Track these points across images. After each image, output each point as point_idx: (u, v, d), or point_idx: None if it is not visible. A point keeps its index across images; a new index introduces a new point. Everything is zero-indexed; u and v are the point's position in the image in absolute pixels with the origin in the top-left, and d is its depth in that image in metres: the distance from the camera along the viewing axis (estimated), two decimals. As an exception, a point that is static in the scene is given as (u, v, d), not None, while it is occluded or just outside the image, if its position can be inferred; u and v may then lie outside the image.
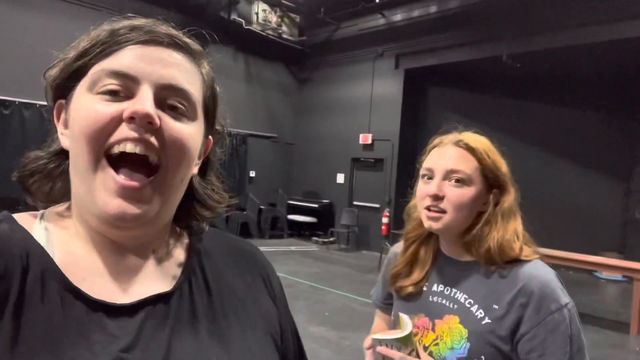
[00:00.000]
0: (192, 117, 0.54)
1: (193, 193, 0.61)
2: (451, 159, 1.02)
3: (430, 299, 1.08)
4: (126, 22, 0.54)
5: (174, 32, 0.55)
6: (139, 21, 0.54)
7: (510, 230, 1.01)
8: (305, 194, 10.60)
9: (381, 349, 0.93)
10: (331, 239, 9.67)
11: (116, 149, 0.49)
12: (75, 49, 0.54)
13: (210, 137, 0.62)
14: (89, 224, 0.53)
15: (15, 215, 0.54)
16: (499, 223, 1.01)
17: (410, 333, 0.94)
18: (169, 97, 0.52)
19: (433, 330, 1.04)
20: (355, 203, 9.90)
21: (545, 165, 8.68)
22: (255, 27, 9.41)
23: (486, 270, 1.02)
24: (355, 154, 9.85)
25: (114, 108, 0.49)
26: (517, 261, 0.99)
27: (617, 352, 4.31)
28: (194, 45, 0.57)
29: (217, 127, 0.63)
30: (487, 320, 0.98)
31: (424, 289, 1.10)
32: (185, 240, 0.64)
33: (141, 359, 0.49)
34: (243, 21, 9.23)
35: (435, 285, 1.09)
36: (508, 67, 7.70)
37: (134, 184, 0.49)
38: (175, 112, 0.52)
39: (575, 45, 6.96)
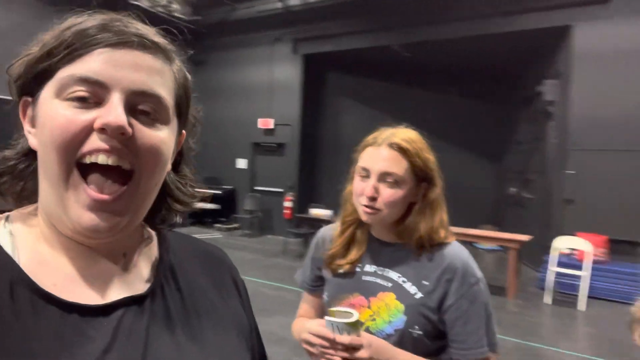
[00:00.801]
0: (164, 121, 0.53)
1: (166, 189, 0.60)
2: (385, 161, 1.12)
3: (364, 279, 1.18)
4: (95, 21, 0.50)
5: (144, 31, 0.52)
6: (108, 18, 0.51)
7: (437, 219, 1.15)
8: (206, 180, 10.29)
9: (332, 335, 1.00)
10: (235, 225, 9.56)
11: (88, 160, 0.48)
12: (39, 46, 0.51)
13: (183, 131, 0.60)
14: (58, 229, 0.52)
15: None
16: (428, 213, 1.15)
17: (358, 320, 1.02)
18: (141, 103, 0.50)
19: (369, 307, 1.14)
20: (257, 188, 9.86)
21: (431, 148, 9.44)
22: (143, 3, 8.76)
23: (416, 252, 1.15)
24: (255, 138, 9.77)
25: (84, 117, 0.48)
26: (441, 244, 1.15)
27: (498, 314, 4.94)
28: (165, 44, 0.55)
29: (191, 119, 0.62)
30: (419, 294, 1.11)
31: (357, 269, 1.20)
32: (155, 242, 0.63)
33: (120, 359, 0.48)
34: (130, -4, 8.53)
35: (368, 266, 1.19)
36: (400, 56, 8.17)
37: (107, 197, 0.48)
38: (148, 117, 0.51)
39: (457, 37, 7.60)
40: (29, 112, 0.53)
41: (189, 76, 0.59)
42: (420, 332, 1.10)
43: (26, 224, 0.54)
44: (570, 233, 6.01)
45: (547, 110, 7.25)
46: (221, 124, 10.04)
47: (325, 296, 1.25)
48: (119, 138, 0.48)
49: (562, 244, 5.84)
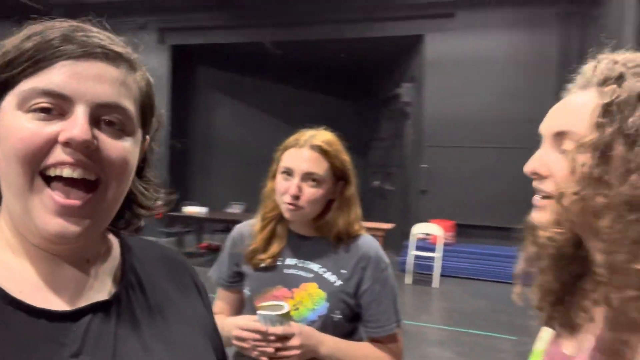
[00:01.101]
0: (130, 132, 0.53)
1: (130, 195, 0.59)
2: (308, 161, 1.20)
3: (285, 272, 1.25)
4: (57, 31, 0.49)
5: (106, 41, 0.51)
6: (69, 28, 0.50)
7: (353, 215, 1.26)
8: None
9: (264, 328, 1.06)
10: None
11: (52, 172, 0.48)
12: (2, 49, 0.50)
13: (147, 137, 0.60)
14: (23, 237, 0.52)
15: None
16: (345, 209, 1.25)
17: (289, 311, 1.09)
18: (105, 115, 0.50)
19: (292, 298, 1.22)
20: (121, 187, 9.16)
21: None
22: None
23: (334, 245, 1.26)
24: (118, 133, 9.04)
25: (48, 129, 0.47)
26: (355, 236, 1.27)
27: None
28: (129, 54, 0.54)
29: (154, 124, 0.61)
30: (339, 282, 1.22)
31: (278, 263, 1.26)
32: (117, 247, 0.63)
33: None
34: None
35: (289, 259, 1.26)
36: (271, 53, 8.28)
37: (74, 202, 0.48)
38: (113, 128, 0.51)
39: (326, 39, 7.98)
40: None
41: (152, 81, 0.59)
42: (340, 316, 1.21)
43: None
44: (425, 220, 6.77)
45: (404, 110, 8.03)
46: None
47: (247, 291, 1.28)
48: (84, 151, 0.48)
49: (418, 230, 6.56)
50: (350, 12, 7.63)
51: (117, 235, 0.65)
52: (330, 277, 1.23)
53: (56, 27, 0.50)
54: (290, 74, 9.71)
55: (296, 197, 1.19)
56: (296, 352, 1.08)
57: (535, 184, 0.67)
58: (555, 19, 6.77)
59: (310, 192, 1.20)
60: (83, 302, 0.53)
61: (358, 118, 10.09)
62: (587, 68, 0.67)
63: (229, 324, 1.15)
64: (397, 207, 8.22)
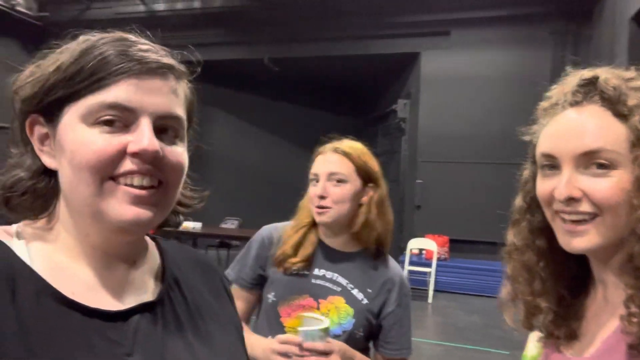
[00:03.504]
0: (182, 138, 0.57)
1: None
2: (332, 163, 1.23)
3: (313, 282, 1.25)
4: (113, 47, 0.52)
5: (158, 54, 0.55)
6: (123, 43, 0.53)
7: (388, 219, 1.28)
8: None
9: (308, 344, 1.04)
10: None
11: (122, 181, 0.51)
12: (54, 67, 0.52)
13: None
14: (82, 239, 0.55)
15: None
16: (380, 213, 1.26)
17: (329, 326, 1.08)
18: (164, 124, 0.54)
19: (318, 308, 1.22)
20: (117, 201, 9.15)
21: (297, 159, 9.81)
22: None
23: (363, 261, 1.28)
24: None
25: (116, 141, 0.51)
26: (384, 257, 1.30)
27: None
28: (179, 66, 0.58)
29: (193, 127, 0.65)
30: (365, 300, 1.24)
31: (307, 272, 1.26)
32: (154, 250, 0.66)
33: None
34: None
35: (317, 269, 1.26)
36: (269, 70, 8.37)
37: (144, 192, 0.52)
38: (168, 136, 0.55)
39: (322, 56, 8.09)
40: (39, 129, 0.55)
41: (192, 87, 0.63)
42: (362, 334, 1.23)
43: (41, 237, 0.56)
44: (420, 235, 6.75)
45: (400, 126, 8.08)
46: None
47: (271, 296, 1.26)
48: (151, 161, 0.51)
49: (413, 245, 6.54)
50: (347, 30, 7.74)
51: (152, 239, 0.68)
52: (357, 294, 1.24)
53: (108, 40, 0.53)
54: (286, 91, 9.80)
55: (322, 197, 1.21)
56: None
57: (569, 209, 0.64)
58: (549, 37, 6.87)
59: (335, 191, 1.21)
60: (130, 303, 0.56)
61: (354, 134, 9.90)
62: (569, 85, 0.68)
63: (258, 341, 1.16)
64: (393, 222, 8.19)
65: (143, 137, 0.51)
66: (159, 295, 0.60)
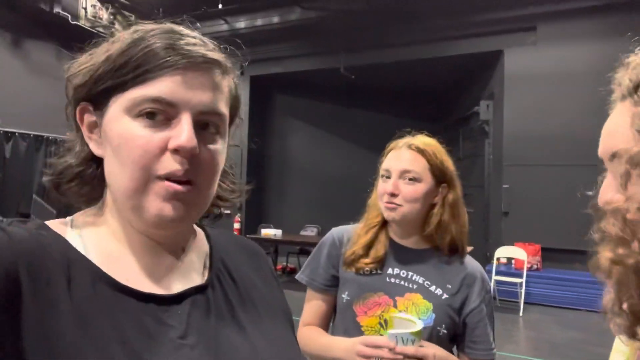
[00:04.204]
0: (222, 134, 0.57)
1: None
2: (405, 160, 1.19)
3: (388, 280, 1.21)
4: (160, 39, 0.53)
5: (205, 48, 0.55)
6: (172, 35, 0.54)
7: (463, 221, 1.23)
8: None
9: (399, 349, 0.99)
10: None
11: (163, 176, 0.52)
12: (104, 57, 0.54)
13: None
14: (130, 227, 0.56)
15: (49, 223, 0.56)
16: (452, 214, 1.21)
17: (421, 329, 1.01)
18: (205, 121, 0.54)
19: (395, 306, 1.18)
20: (205, 210, 9.69)
21: (375, 167, 9.75)
22: (83, 24, 8.52)
23: (438, 259, 1.23)
24: (202, 160, 9.62)
25: (158, 137, 0.52)
26: (461, 254, 1.24)
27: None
28: (225, 60, 0.58)
29: (236, 121, 0.65)
30: (445, 295, 1.19)
31: (380, 271, 1.23)
32: (202, 237, 0.67)
33: (196, 344, 0.53)
34: (69, 15, 8.27)
35: (391, 268, 1.23)
36: (345, 78, 8.44)
37: (183, 188, 0.52)
38: (208, 132, 0.55)
39: (399, 61, 7.98)
40: (88, 117, 0.56)
41: (238, 83, 0.62)
42: (445, 331, 1.16)
43: (93, 226, 0.58)
44: (508, 243, 6.37)
45: (483, 128, 7.72)
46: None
47: (345, 295, 1.23)
48: (189, 158, 0.52)
49: (500, 254, 6.18)
50: (423, 33, 7.58)
51: (199, 226, 0.69)
52: (435, 290, 1.19)
53: (158, 32, 0.54)
54: (363, 98, 9.80)
55: (393, 195, 1.18)
56: None
57: None
58: (650, 24, 6.22)
59: (407, 189, 1.18)
60: (180, 288, 0.57)
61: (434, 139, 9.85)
62: (620, 77, 0.62)
63: (338, 342, 1.14)
64: (477, 229, 7.83)
65: (182, 133, 0.51)
66: (209, 279, 0.60)
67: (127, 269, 0.55)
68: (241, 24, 8.89)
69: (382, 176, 1.23)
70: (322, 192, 9.92)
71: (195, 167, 0.53)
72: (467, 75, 8.47)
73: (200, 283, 0.59)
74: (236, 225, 8.94)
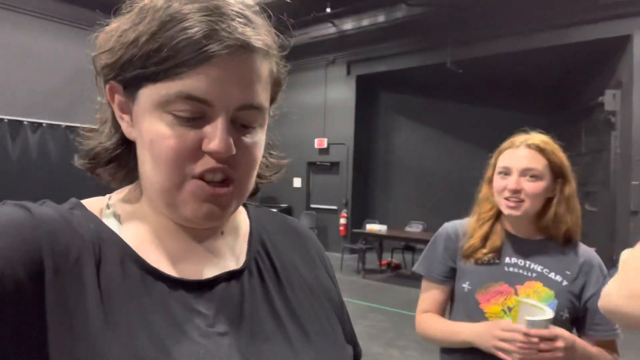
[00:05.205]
0: (261, 125, 0.54)
1: None
2: (525, 158, 1.26)
3: (507, 269, 1.29)
4: (199, 23, 0.46)
5: (246, 32, 0.48)
6: (210, 17, 0.46)
7: (577, 213, 1.29)
8: (264, 199, 10.73)
9: (534, 331, 1.08)
10: (291, 242, 9.81)
11: (198, 174, 0.50)
12: (133, 37, 0.48)
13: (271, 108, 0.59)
14: (163, 214, 0.55)
15: (84, 202, 0.55)
16: (569, 206, 1.28)
17: (552, 316, 1.10)
18: (243, 116, 0.51)
19: (516, 294, 1.25)
20: (313, 206, 10.15)
21: (484, 163, 9.34)
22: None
23: (556, 247, 1.29)
24: (311, 157, 10.09)
25: (191, 137, 0.48)
26: (575, 243, 1.30)
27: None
28: (269, 44, 0.52)
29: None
30: (565, 282, 1.25)
31: (497, 260, 1.30)
32: (245, 218, 0.65)
33: (227, 332, 0.51)
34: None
35: (508, 258, 1.30)
36: (451, 73, 8.26)
37: (220, 190, 0.50)
38: (247, 126, 0.52)
39: (511, 52, 7.60)
40: (119, 98, 0.52)
41: (282, 62, 0.58)
42: (567, 316, 1.23)
43: (129, 207, 0.56)
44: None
45: (609, 120, 7.04)
46: (279, 144, 10.44)
47: (466, 285, 1.31)
48: (224, 160, 0.49)
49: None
50: (541, 20, 7.13)
51: (244, 206, 0.67)
52: (555, 277, 1.26)
53: (194, 10, 0.46)
54: (473, 92, 9.47)
55: (516, 192, 1.24)
56: (560, 354, 1.09)
57: None
58: None
59: (529, 186, 1.24)
60: (215, 272, 0.55)
61: (551, 133, 9.17)
62: None
63: (467, 327, 1.24)
64: (601, 230, 7.15)
65: (216, 135, 0.48)
66: (245, 263, 0.58)
67: (159, 251, 0.53)
68: (348, 25, 9.16)
69: (500, 173, 1.29)
70: (427, 188, 9.81)
71: (232, 165, 0.50)
72: (589, 63, 7.77)
73: (235, 268, 0.57)
74: (342, 221, 9.24)
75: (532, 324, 1.07)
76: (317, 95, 10.03)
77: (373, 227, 7.58)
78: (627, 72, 6.63)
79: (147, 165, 0.51)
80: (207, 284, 0.53)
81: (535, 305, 1.12)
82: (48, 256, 0.45)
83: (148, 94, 0.49)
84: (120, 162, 0.56)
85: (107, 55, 0.50)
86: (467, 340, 1.22)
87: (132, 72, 0.48)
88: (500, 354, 1.12)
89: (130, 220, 0.55)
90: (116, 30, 0.50)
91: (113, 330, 0.45)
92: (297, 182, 10.32)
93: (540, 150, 1.25)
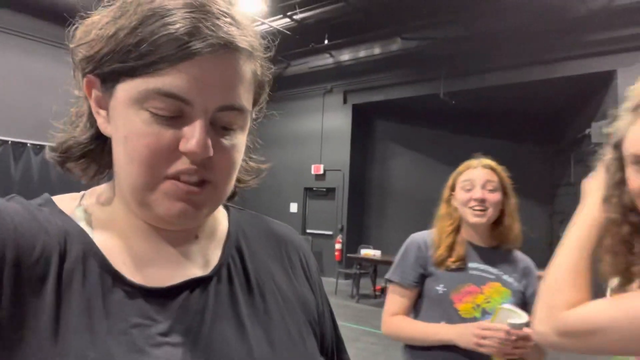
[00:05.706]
0: (242, 127, 0.52)
1: None
2: (484, 174, 1.52)
3: (471, 273, 1.51)
4: (183, 20, 0.44)
5: (230, 32, 0.47)
6: (194, 14, 0.45)
7: (519, 225, 1.55)
8: (260, 223, 10.79)
9: (514, 331, 1.29)
10: (286, 267, 9.87)
11: (172, 175, 0.48)
12: (112, 30, 0.46)
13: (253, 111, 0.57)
14: (136, 215, 0.53)
15: (56, 198, 0.54)
16: (514, 218, 1.54)
17: (529, 320, 1.26)
18: (223, 117, 0.49)
19: (482, 293, 1.47)
20: (308, 231, 10.24)
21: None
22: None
23: (503, 254, 1.55)
24: (307, 183, 10.26)
25: (168, 135, 0.47)
26: (513, 250, 1.57)
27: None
28: (251, 46, 0.50)
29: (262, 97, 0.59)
30: (515, 283, 1.50)
31: (462, 266, 1.52)
32: (225, 221, 0.63)
33: (181, 342, 0.48)
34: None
35: (471, 263, 1.53)
36: (445, 104, 8.54)
37: (197, 189, 0.49)
38: (226, 128, 0.50)
39: (502, 84, 7.90)
40: (96, 92, 0.51)
41: (267, 65, 0.56)
42: None
43: (100, 204, 0.54)
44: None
45: (596, 152, 7.25)
46: (276, 170, 10.66)
47: (440, 288, 1.50)
48: (200, 162, 0.48)
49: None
50: (529, 55, 7.45)
51: (226, 208, 0.65)
52: (508, 278, 1.50)
53: (177, 6, 0.45)
54: (464, 122, 9.76)
55: (482, 201, 1.47)
56: (529, 350, 1.31)
57: None
58: None
59: (491, 196, 1.49)
60: (183, 277, 0.52)
61: (542, 163, 9.44)
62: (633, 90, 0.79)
63: (447, 328, 1.41)
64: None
65: (193, 136, 0.46)
66: (214, 270, 0.55)
67: (126, 253, 0.51)
68: (345, 56, 9.47)
69: (464, 188, 1.52)
70: (421, 214, 9.77)
71: (209, 168, 0.49)
72: (576, 97, 8.08)
73: (203, 274, 0.54)
74: (337, 246, 9.34)
75: (513, 326, 1.29)
76: (315, 123, 10.28)
77: (368, 253, 7.70)
78: (612, 106, 6.86)
79: (121, 162, 0.49)
80: (167, 291, 0.51)
81: (512, 310, 1.33)
82: (10, 250, 0.44)
83: (125, 89, 0.47)
84: (92, 158, 0.55)
85: (85, 48, 0.49)
86: (446, 339, 1.39)
87: (110, 66, 0.47)
88: (481, 349, 1.32)
89: (100, 220, 0.53)
90: (97, 23, 0.49)
91: (56, 330, 0.44)
92: (293, 207, 10.45)
93: (493, 169, 1.53)
